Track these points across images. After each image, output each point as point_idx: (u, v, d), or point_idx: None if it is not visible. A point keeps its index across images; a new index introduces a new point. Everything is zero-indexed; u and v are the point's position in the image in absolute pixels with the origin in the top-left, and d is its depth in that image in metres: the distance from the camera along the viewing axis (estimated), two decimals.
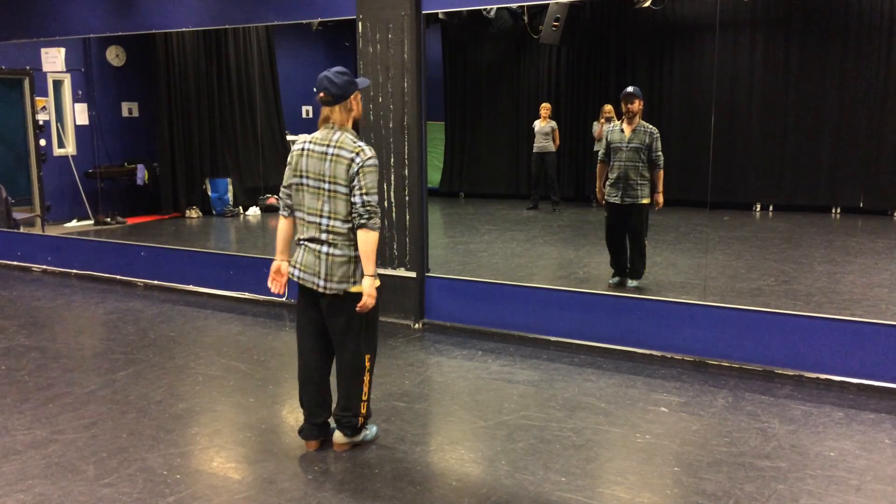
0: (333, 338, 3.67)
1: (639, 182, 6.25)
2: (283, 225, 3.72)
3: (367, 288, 3.48)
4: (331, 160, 3.46)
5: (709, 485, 3.38)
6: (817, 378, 4.72)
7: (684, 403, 4.35)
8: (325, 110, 3.54)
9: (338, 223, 3.50)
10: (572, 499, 3.27)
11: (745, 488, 3.35)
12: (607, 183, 6.41)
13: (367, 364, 3.68)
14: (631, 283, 6.39)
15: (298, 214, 3.60)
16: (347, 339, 3.62)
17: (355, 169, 3.43)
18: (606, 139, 6.41)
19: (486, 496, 3.29)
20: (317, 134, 3.57)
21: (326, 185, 3.48)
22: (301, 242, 3.61)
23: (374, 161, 3.47)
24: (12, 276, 7.92)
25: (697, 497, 3.28)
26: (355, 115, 3.60)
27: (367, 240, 3.46)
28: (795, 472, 3.51)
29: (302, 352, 3.75)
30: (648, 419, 4.12)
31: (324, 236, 3.52)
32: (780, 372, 4.83)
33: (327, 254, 3.51)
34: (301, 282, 3.61)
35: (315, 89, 3.55)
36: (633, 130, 6.26)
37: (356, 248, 3.51)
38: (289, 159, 3.63)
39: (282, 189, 3.69)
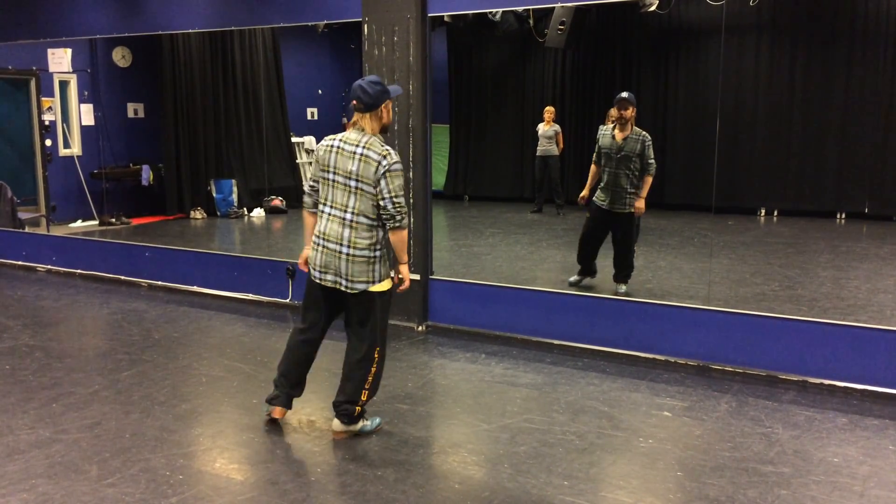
0: (347, 329, 3.89)
1: (628, 191, 6.21)
2: (309, 220, 3.94)
3: (405, 272, 3.90)
4: (360, 160, 3.66)
5: (712, 490, 3.38)
6: (821, 383, 4.71)
7: (687, 408, 4.35)
8: (356, 116, 3.75)
9: (362, 218, 3.70)
10: (575, 503, 3.26)
11: (748, 493, 3.34)
12: (598, 187, 6.39)
13: (376, 356, 3.86)
14: (619, 288, 6.35)
15: (324, 209, 3.78)
16: (363, 332, 3.82)
17: (381, 171, 3.64)
18: (598, 143, 6.37)
19: (488, 499, 3.29)
20: (346, 134, 3.77)
21: (353, 183, 3.68)
22: (318, 245, 3.78)
23: (399, 165, 3.70)
24: (17, 276, 7.94)
25: (700, 502, 3.27)
26: (385, 122, 3.82)
27: (400, 238, 3.78)
28: (799, 477, 3.50)
29: (298, 345, 3.96)
30: (651, 423, 4.12)
31: (346, 232, 3.70)
32: (783, 377, 4.81)
33: (347, 254, 3.70)
34: (322, 282, 3.80)
35: (350, 96, 3.79)
36: (625, 138, 6.18)
37: (375, 249, 3.73)
38: (315, 156, 3.83)
39: (308, 185, 3.90)
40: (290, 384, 4.00)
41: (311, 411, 4.23)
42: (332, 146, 3.74)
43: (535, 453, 3.73)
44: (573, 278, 6.62)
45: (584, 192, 6.46)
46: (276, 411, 4.03)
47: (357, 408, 3.85)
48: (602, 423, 4.11)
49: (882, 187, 10.62)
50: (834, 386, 4.67)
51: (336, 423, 3.91)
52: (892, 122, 10.56)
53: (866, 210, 10.70)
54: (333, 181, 3.72)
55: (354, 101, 3.70)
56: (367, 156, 3.64)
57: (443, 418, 4.27)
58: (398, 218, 3.70)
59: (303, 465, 3.64)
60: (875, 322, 5.36)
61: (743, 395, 4.54)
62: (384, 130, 3.82)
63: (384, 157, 3.64)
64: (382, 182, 3.63)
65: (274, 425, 4.06)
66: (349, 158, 3.67)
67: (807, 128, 11.08)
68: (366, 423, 3.94)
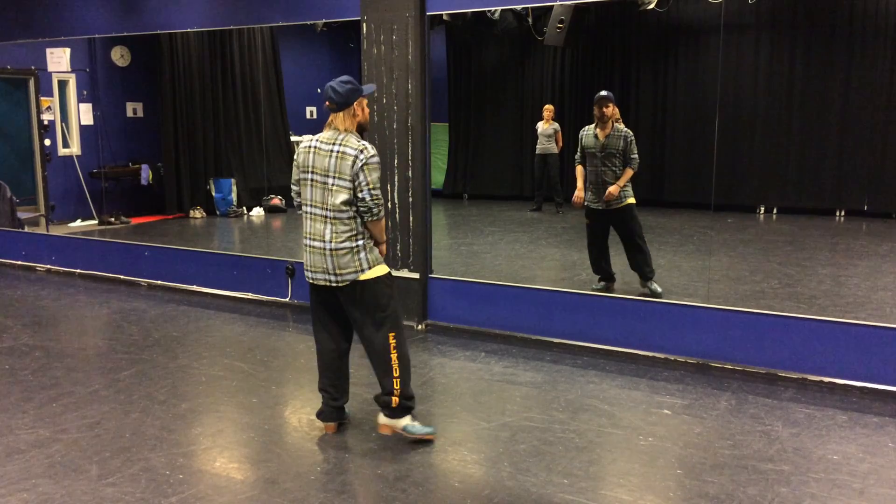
0: (354, 325, 3.89)
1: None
2: None
3: (381, 249, 3.91)
4: (336, 157, 3.70)
5: (711, 487, 3.38)
6: (821, 381, 4.71)
7: (687, 406, 4.35)
8: (331, 116, 3.80)
9: (340, 214, 3.72)
10: (574, 501, 3.26)
11: (747, 491, 3.34)
12: (587, 189, 6.32)
13: (393, 342, 3.83)
14: (654, 287, 6.11)
15: (306, 209, 3.84)
16: (368, 324, 3.82)
17: (359, 165, 3.67)
18: (581, 143, 6.30)
19: (488, 498, 3.29)
20: (323, 134, 3.81)
21: (330, 180, 3.71)
22: (306, 244, 3.83)
23: (376, 159, 3.74)
24: (17, 276, 7.94)
25: (700, 500, 3.27)
26: (360, 120, 3.83)
27: (377, 226, 3.81)
28: (798, 475, 3.50)
29: (320, 343, 3.99)
30: (651, 421, 4.12)
31: (328, 229, 3.73)
32: (783, 375, 4.82)
33: (331, 250, 3.73)
34: (315, 282, 3.84)
35: (322, 97, 3.83)
36: (607, 136, 6.11)
37: (357, 239, 3.76)
38: (295, 157, 3.88)
39: (292, 188, 3.94)
40: (330, 396, 3.98)
41: (311, 410, 4.23)
42: (309, 147, 3.79)
43: (535, 451, 3.74)
44: (595, 285, 6.43)
45: (579, 193, 6.34)
46: (328, 427, 4.00)
47: (395, 399, 3.83)
48: (602, 422, 4.11)
49: (881, 184, 10.61)
50: (833, 383, 4.68)
51: (381, 416, 3.92)
52: (892, 119, 10.56)
53: (865, 207, 10.70)
54: (312, 181, 3.76)
55: (327, 102, 3.75)
56: (343, 152, 3.68)
57: (443, 417, 4.27)
58: (375, 211, 3.71)
59: (303, 464, 3.64)
60: (874, 319, 5.36)
61: (742, 393, 4.54)
62: (361, 129, 3.83)
63: (361, 151, 3.67)
64: (361, 175, 3.66)
65: (277, 425, 4.07)
66: (326, 157, 3.71)
67: (806, 125, 11.08)
68: (410, 423, 3.87)
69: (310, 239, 3.79)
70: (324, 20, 6.34)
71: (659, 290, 6.11)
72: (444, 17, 10.36)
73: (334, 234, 3.71)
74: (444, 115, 13.64)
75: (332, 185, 3.69)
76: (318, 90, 13.49)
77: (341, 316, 3.92)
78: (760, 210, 11.18)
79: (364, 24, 5.86)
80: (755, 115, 11.32)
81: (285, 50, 12.43)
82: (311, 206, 3.78)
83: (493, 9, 9.78)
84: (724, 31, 10.92)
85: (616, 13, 11.85)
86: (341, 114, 3.74)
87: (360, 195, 3.68)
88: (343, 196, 3.68)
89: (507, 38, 12.83)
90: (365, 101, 3.84)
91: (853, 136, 10.80)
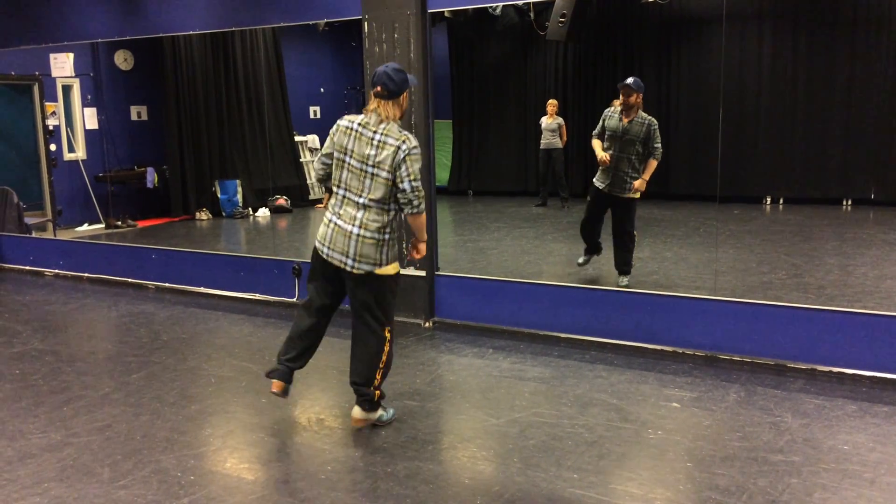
0: (353, 311, 3.89)
1: (630, 175, 6.11)
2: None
3: (422, 248, 4.02)
4: (378, 145, 3.69)
5: (722, 480, 3.38)
6: (830, 371, 4.70)
7: (696, 398, 4.34)
8: (375, 102, 3.75)
9: (375, 204, 3.73)
10: (585, 495, 3.27)
11: (758, 483, 3.34)
12: (599, 169, 6.30)
13: (388, 336, 3.89)
14: (621, 280, 6.23)
15: (338, 191, 3.80)
16: (369, 313, 3.84)
17: (401, 156, 3.67)
18: (604, 122, 6.24)
19: (498, 494, 3.30)
20: (365, 118, 3.78)
21: (370, 169, 3.71)
22: (330, 222, 3.81)
23: (418, 150, 3.73)
24: (25, 281, 7.98)
25: (710, 492, 3.27)
26: (404, 109, 3.84)
27: (418, 220, 3.84)
28: (809, 465, 3.50)
29: (303, 317, 3.99)
30: (660, 415, 4.12)
31: (359, 214, 3.73)
32: (792, 366, 4.81)
33: (358, 235, 3.74)
34: (329, 259, 3.82)
35: (372, 82, 3.78)
36: (631, 121, 6.08)
37: (385, 232, 3.77)
38: (332, 131, 3.83)
39: (321, 159, 3.87)
40: (291, 358, 3.97)
41: (320, 409, 4.25)
42: (350, 128, 3.76)
43: (544, 447, 3.74)
44: (581, 259, 6.61)
45: (603, 156, 6.16)
46: (275, 385, 3.97)
47: (377, 392, 3.88)
48: (611, 416, 4.11)
49: (888, 173, 10.56)
50: (843, 374, 4.66)
51: (357, 411, 3.92)
52: None
53: (872, 196, 10.64)
54: (349, 165, 3.74)
55: (379, 87, 3.71)
56: (385, 141, 3.67)
57: (452, 414, 4.28)
58: (415, 203, 3.72)
59: (313, 463, 3.65)
60: (883, 308, 5.34)
61: (751, 385, 4.53)
62: (401, 117, 3.84)
63: (403, 141, 3.67)
64: (402, 166, 3.66)
65: (287, 425, 4.08)
66: (367, 144, 3.70)
67: (811, 114, 11.02)
68: (383, 413, 3.99)
69: (337, 217, 3.78)
70: (325, 20, 6.34)
71: (624, 282, 6.22)
72: (446, 14, 10.34)
73: (367, 222, 3.72)
74: (448, 112, 13.63)
75: (372, 173, 3.69)
76: (322, 89, 13.58)
77: (336, 292, 3.95)
78: (766, 201, 11.15)
79: (365, 23, 5.86)
80: (760, 106, 11.28)
81: (288, 50, 12.44)
82: (346, 189, 3.77)
83: (494, 5, 9.77)
84: (726, 22, 10.86)
85: (618, 6, 11.81)
86: (390, 102, 3.73)
87: (400, 186, 3.69)
88: (382, 187, 3.69)
89: (508, 34, 12.81)
90: (408, 93, 3.85)
91: (858, 124, 10.74)
